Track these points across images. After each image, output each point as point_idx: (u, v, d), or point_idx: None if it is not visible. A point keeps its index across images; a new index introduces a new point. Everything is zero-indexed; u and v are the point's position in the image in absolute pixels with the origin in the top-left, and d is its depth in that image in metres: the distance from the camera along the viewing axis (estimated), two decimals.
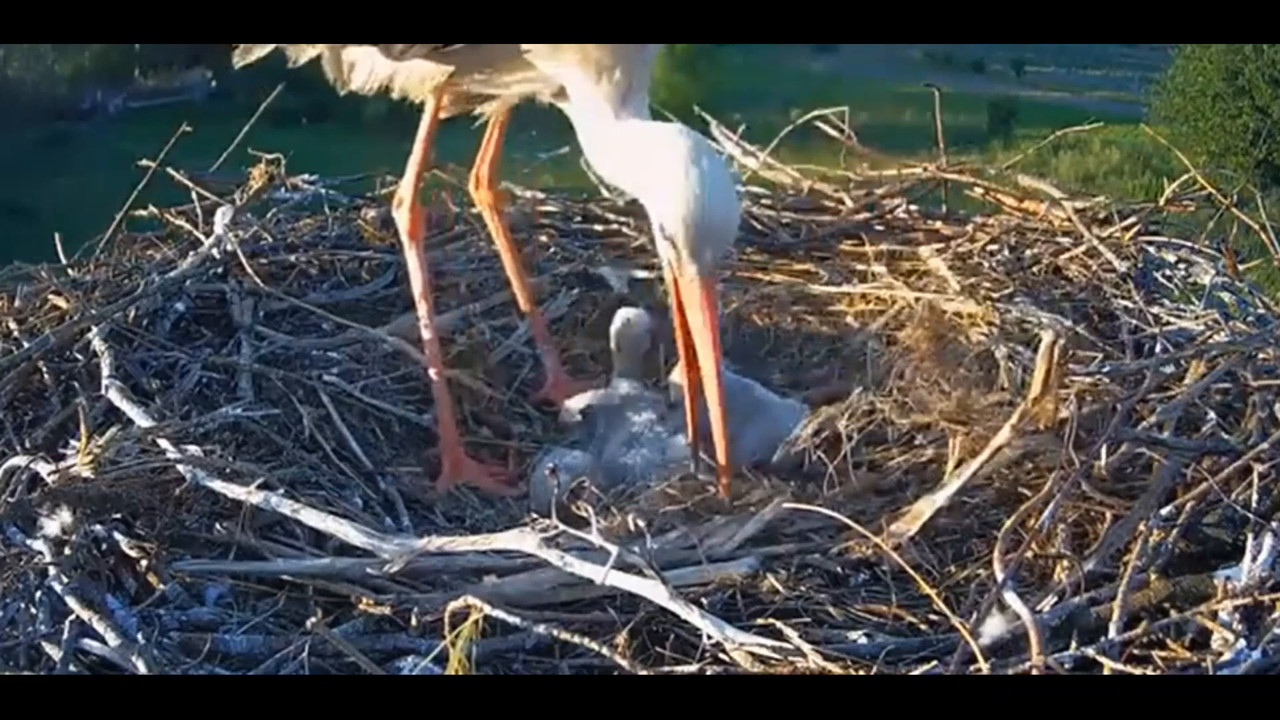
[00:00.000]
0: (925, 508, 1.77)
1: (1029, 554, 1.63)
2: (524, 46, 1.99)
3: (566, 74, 1.98)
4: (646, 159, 1.89)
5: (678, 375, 2.29)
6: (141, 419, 1.92)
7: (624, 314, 2.50)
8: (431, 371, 2.34)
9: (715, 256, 1.89)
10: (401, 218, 2.34)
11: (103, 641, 1.49)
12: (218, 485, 1.75)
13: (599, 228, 3.19)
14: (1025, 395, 1.85)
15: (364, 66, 2.26)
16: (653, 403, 2.36)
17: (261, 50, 2.28)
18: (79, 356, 2.18)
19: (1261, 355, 2.08)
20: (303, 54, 2.28)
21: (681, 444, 2.15)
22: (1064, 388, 1.86)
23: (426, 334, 2.34)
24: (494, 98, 2.25)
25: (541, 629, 1.50)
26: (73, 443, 1.80)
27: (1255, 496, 1.68)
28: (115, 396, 1.99)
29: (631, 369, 2.47)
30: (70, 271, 2.58)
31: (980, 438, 1.88)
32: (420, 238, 2.35)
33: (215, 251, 2.64)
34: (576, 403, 2.42)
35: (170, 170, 2.93)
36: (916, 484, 1.96)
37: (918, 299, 2.67)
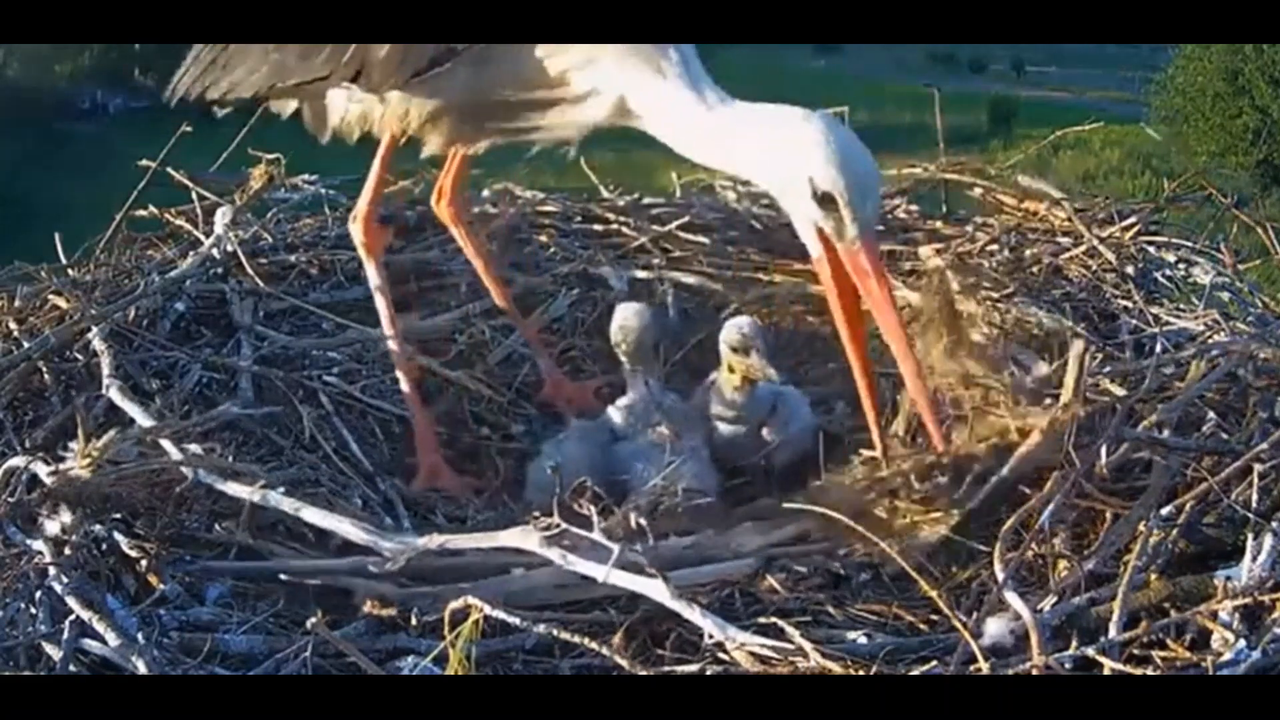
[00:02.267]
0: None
1: (1029, 554, 1.63)
2: (566, 64, 1.92)
3: (631, 80, 1.91)
4: (776, 138, 1.87)
5: (723, 379, 2.24)
6: (142, 419, 1.92)
7: (624, 310, 2.34)
8: (401, 380, 2.31)
9: (874, 210, 1.87)
10: (356, 232, 2.28)
11: (103, 641, 1.48)
12: (218, 485, 1.75)
13: (599, 228, 3.19)
14: (1019, 400, 1.85)
15: (338, 106, 2.18)
16: (672, 412, 2.26)
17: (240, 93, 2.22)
18: (79, 356, 2.18)
19: (1261, 355, 2.07)
20: (286, 108, 2.29)
21: (688, 469, 2.06)
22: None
23: (393, 345, 2.30)
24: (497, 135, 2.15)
25: (541, 629, 1.50)
26: (72, 443, 1.79)
27: (1255, 496, 1.68)
28: (115, 396, 1.99)
29: (646, 366, 2.31)
30: (70, 271, 2.58)
31: (982, 435, 1.88)
32: (378, 252, 2.30)
33: (215, 251, 2.64)
34: (616, 413, 2.31)
35: (170, 170, 2.93)
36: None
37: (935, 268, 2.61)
